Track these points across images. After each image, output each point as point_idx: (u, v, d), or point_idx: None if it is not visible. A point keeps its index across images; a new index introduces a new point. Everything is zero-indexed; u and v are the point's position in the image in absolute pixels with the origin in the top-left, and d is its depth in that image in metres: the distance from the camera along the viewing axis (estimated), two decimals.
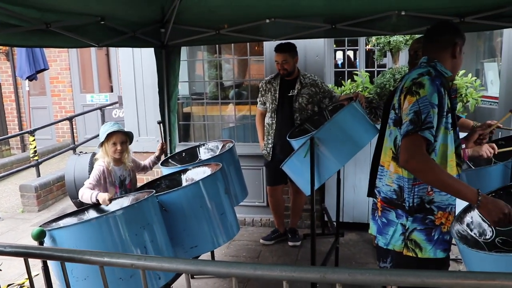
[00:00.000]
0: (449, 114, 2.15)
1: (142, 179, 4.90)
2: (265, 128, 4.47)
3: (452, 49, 2.23)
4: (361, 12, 3.91)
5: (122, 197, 3.15)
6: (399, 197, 2.22)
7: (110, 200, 3.00)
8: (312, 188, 2.97)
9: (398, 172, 2.22)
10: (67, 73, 9.60)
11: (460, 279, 1.22)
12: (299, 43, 4.48)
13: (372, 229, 2.41)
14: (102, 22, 3.43)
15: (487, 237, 2.22)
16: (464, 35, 2.31)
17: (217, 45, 5.63)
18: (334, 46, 6.56)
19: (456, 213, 2.24)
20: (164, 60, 4.44)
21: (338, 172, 3.98)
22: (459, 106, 4.46)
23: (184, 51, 5.69)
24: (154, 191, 2.94)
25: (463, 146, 2.53)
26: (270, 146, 4.40)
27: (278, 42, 4.31)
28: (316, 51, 4.82)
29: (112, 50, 9.26)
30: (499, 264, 1.82)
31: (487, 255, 1.90)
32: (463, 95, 4.46)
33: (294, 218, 4.76)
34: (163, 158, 4.03)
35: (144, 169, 3.81)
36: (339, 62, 8.74)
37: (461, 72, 4.71)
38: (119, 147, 3.31)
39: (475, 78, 4.71)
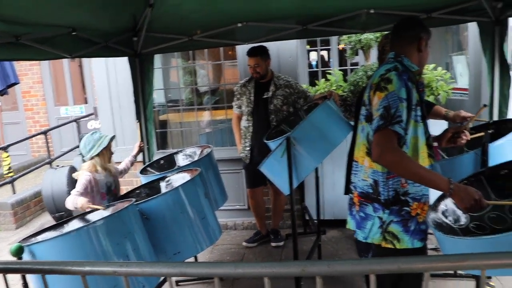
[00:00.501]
0: (418, 107, 2.20)
1: (122, 189, 4.87)
2: (242, 131, 4.50)
3: (418, 44, 2.29)
4: (331, 12, 3.98)
5: (104, 208, 3.15)
6: (374, 191, 2.26)
7: (89, 206, 3.04)
8: (290, 187, 3.00)
9: (372, 167, 2.26)
10: (39, 86, 9.45)
11: (434, 262, 1.26)
12: (272, 45, 4.53)
13: (350, 224, 2.44)
14: (74, 33, 3.41)
15: (462, 223, 2.29)
16: (429, 30, 2.37)
17: (190, 51, 5.65)
18: (308, 46, 6.63)
19: (431, 203, 2.31)
20: (138, 68, 4.44)
21: (316, 170, 4.03)
22: (431, 98, 4.55)
23: (158, 58, 5.69)
24: (134, 199, 2.94)
25: (435, 144, 2.57)
26: (248, 148, 4.43)
27: (251, 45, 4.34)
28: (289, 52, 4.87)
29: (85, 61, 9.16)
30: (473, 247, 1.88)
31: (461, 240, 1.96)
32: (434, 88, 4.56)
33: (276, 219, 4.79)
34: (140, 158, 4.08)
35: (122, 172, 3.90)
36: (314, 63, 8.81)
37: (432, 65, 4.82)
38: (109, 155, 3.53)
39: (445, 71, 4.81)
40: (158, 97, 5.64)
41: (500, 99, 3.99)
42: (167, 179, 3.62)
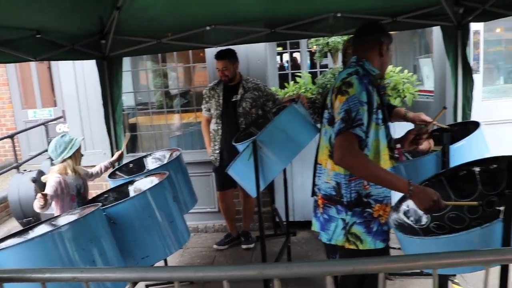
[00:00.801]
0: (379, 110, 2.25)
1: (91, 193, 4.82)
2: (211, 134, 4.51)
3: (379, 48, 2.34)
4: (298, 15, 4.03)
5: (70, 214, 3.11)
6: (337, 193, 2.29)
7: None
8: (257, 190, 3.03)
9: (335, 169, 2.29)
10: (5, 89, 9.23)
11: (388, 263, 1.29)
12: (241, 48, 4.55)
13: (315, 226, 2.47)
14: (38, 36, 3.36)
15: (423, 223, 2.35)
16: (390, 35, 2.43)
17: (160, 54, 5.62)
18: (281, 48, 6.68)
19: (393, 203, 2.36)
20: (107, 71, 4.40)
21: (285, 172, 4.07)
22: (397, 100, 4.64)
23: (127, 61, 5.65)
24: (100, 204, 2.91)
25: (398, 145, 2.61)
26: (218, 151, 4.43)
27: (220, 48, 4.35)
28: (257, 55, 4.90)
29: (54, 63, 9.01)
30: (430, 247, 1.94)
31: (419, 240, 2.02)
32: (400, 90, 4.65)
33: (246, 221, 4.80)
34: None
35: (94, 176, 3.89)
36: (286, 65, 8.87)
37: (398, 68, 4.92)
38: (80, 157, 3.59)
39: (411, 73, 4.92)
40: (127, 100, 5.59)
41: (463, 101, 4.10)
42: (135, 183, 3.61)
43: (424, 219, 2.35)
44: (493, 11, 3.50)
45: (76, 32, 3.84)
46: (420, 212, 2.34)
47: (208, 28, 4.11)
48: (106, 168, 3.99)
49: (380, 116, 2.26)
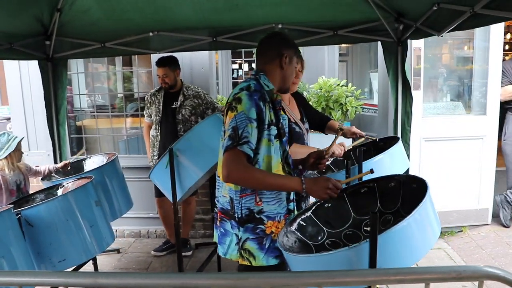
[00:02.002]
0: (273, 126, 2.21)
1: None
2: (150, 140, 4.51)
3: (280, 61, 2.28)
4: (239, 25, 4.06)
5: None
6: (231, 208, 2.26)
7: None
8: (174, 197, 3.04)
9: (229, 185, 2.25)
10: None
11: (219, 279, 1.32)
12: (186, 56, 4.57)
13: (215, 238, 2.45)
14: None
15: (318, 239, 2.37)
16: (294, 47, 2.38)
17: (114, 58, 5.61)
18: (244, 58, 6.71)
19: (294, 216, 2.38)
20: (51, 73, 4.39)
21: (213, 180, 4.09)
22: (339, 114, 4.70)
23: (81, 63, 5.64)
24: (12, 206, 2.90)
25: (300, 167, 2.60)
26: (156, 157, 4.44)
27: (162, 55, 4.37)
28: (201, 63, 4.93)
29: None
30: (304, 264, 1.97)
31: (294, 257, 2.02)
32: (343, 104, 4.71)
33: (185, 228, 4.80)
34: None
35: (37, 174, 3.92)
36: (241, 73, 8.92)
37: (343, 81, 4.97)
38: (19, 156, 3.62)
39: (355, 87, 4.98)
40: (75, 102, 5.59)
41: (403, 117, 4.16)
42: (64, 185, 3.60)
43: (320, 236, 2.37)
44: (423, 30, 3.58)
45: (14, 32, 3.82)
46: (316, 229, 2.37)
47: (151, 34, 4.13)
48: (50, 172, 3.98)
49: (274, 132, 2.22)
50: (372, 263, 1.76)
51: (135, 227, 5.20)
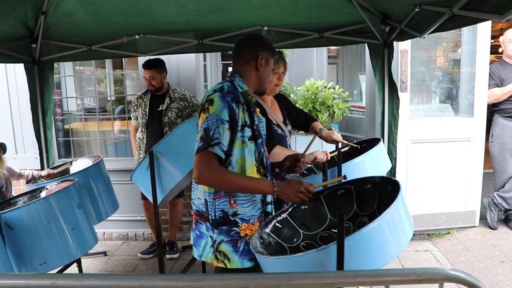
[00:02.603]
0: (247, 128, 2.21)
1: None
2: (137, 143, 4.51)
3: (255, 62, 2.28)
4: (225, 28, 4.06)
5: None
6: (206, 210, 2.25)
7: None
8: (154, 199, 3.04)
9: (203, 187, 2.25)
10: None
11: (174, 281, 1.32)
12: (173, 58, 4.56)
13: (191, 240, 2.44)
14: None
15: (294, 241, 2.37)
16: (270, 48, 2.35)
17: (105, 61, 5.61)
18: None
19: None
20: (37, 76, 4.38)
21: None
22: (325, 116, 4.70)
23: (70, 66, 5.64)
24: None
25: (277, 170, 2.60)
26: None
27: (149, 57, 4.37)
28: (188, 65, 4.92)
29: None
30: (274, 266, 1.96)
31: (266, 258, 2.01)
32: (329, 106, 4.71)
33: (172, 230, 4.79)
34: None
35: (21, 177, 3.95)
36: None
37: (330, 84, 4.98)
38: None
39: (342, 89, 4.98)
40: (64, 104, 5.59)
41: (390, 119, 4.15)
42: (47, 188, 3.60)
43: (296, 238, 2.36)
44: (407, 32, 3.58)
45: None
46: (292, 231, 2.36)
47: (137, 37, 4.14)
48: (33, 178, 4.00)
49: (248, 134, 2.21)
50: (340, 264, 1.76)
51: (123, 230, 5.19)
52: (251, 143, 2.24)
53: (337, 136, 3.17)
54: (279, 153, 2.82)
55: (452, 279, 1.37)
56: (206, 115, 2.10)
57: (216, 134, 2.07)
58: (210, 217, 2.23)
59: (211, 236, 2.26)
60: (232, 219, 2.23)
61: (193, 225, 2.37)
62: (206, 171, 2.06)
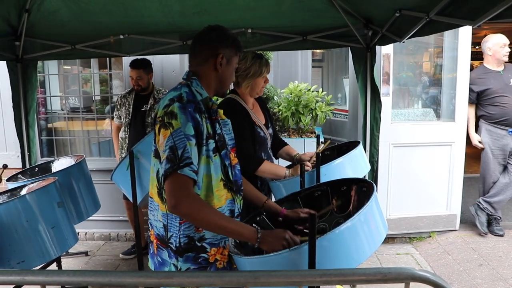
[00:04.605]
0: (210, 140, 1.92)
1: None
2: (119, 142, 4.50)
3: (215, 62, 1.96)
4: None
5: None
6: (166, 235, 1.95)
7: None
8: (134, 199, 3.04)
9: (163, 210, 1.95)
10: None
11: (143, 278, 1.33)
12: (157, 59, 4.57)
13: (150, 264, 2.12)
14: None
15: None
16: (236, 45, 2.04)
17: (90, 60, 5.60)
18: None
19: None
20: (20, 74, 4.35)
21: None
22: (308, 119, 4.73)
23: (54, 64, 5.62)
24: None
25: (280, 219, 2.51)
26: None
27: (135, 57, 4.37)
28: (172, 66, 4.93)
29: None
30: (247, 266, 1.96)
31: (240, 258, 1.99)
32: (312, 109, 4.74)
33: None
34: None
35: None
36: None
37: (313, 87, 5.01)
38: None
39: (325, 92, 5.01)
40: (47, 103, 5.56)
41: (372, 122, 4.19)
42: (27, 187, 3.58)
43: None
44: (388, 36, 3.62)
45: None
46: None
47: (122, 36, 4.13)
48: None
49: (212, 146, 1.92)
50: (311, 264, 1.77)
51: (105, 230, 5.18)
52: (215, 156, 1.95)
53: (310, 153, 3.08)
54: (268, 171, 2.85)
55: (418, 279, 1.39)
56: (170, 131, 1.78)
57: (186, 153, 1.77)
58: (173, 244, 1.94)
59: (174, 264, 1.96)
60: (199, 244, 1.95)
61: (155, 251, 2.04)
62: (185, 202, 1.76)
